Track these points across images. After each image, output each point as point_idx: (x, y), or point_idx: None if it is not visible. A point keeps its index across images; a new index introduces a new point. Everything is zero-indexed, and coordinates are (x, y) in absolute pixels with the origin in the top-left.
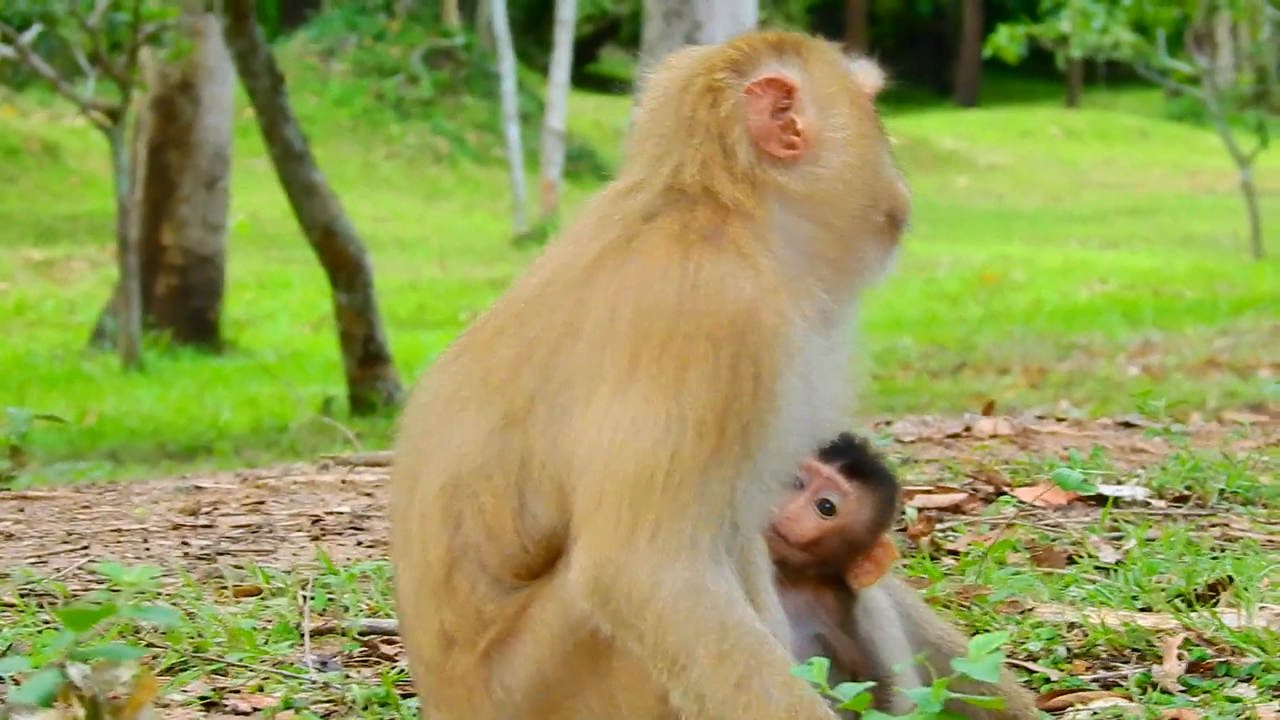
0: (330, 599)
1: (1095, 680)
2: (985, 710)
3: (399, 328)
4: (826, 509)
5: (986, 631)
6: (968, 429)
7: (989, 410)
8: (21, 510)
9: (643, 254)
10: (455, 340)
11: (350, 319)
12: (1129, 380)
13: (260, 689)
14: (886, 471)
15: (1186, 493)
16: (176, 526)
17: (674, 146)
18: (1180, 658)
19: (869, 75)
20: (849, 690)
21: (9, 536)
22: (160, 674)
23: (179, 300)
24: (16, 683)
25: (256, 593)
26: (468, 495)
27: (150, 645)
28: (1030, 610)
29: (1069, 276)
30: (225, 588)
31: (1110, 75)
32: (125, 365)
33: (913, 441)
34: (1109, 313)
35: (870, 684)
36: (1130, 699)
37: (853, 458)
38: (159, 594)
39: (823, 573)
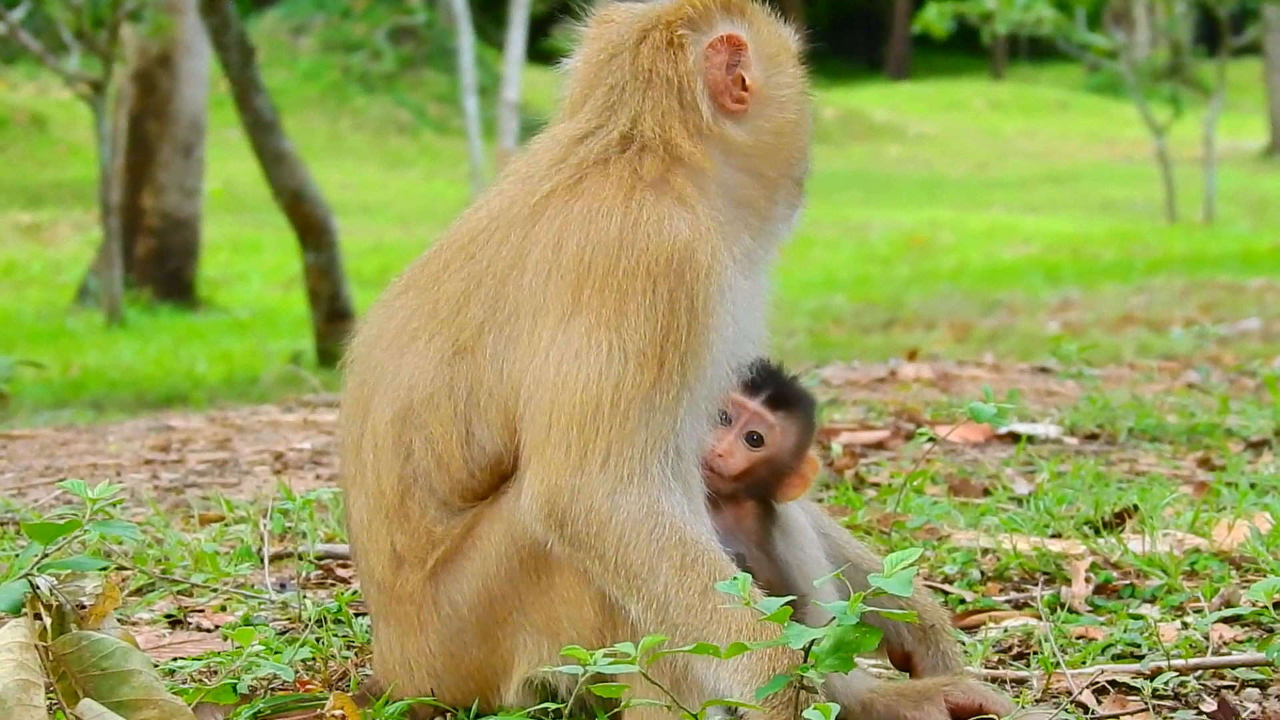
0: (289, 526)
1: (1007, 601)
2: (900, 623)
3: (363, 287)
4: (755, 441)
5: None
6: (892, 373)
7: (913, 356)
8: (4, 447)
9: (588, 194)
10: (400, 276)
11: (318, 278)
12: (1050, 335)
13: (223, 608)
14: (805, 394)
15: (1097, 431)
16: (148, 462)
17: (629, 97)
18: (1088, 580)
19: (793, 36)
20: (772, 604)
21: None
22: (129, 594)
23: (158, 261)
24: None
25: (220, 520)
26: (418, 425)
27: (120, 568)
28: (947, 536)
29: (993, 239)
30: (192, 516)
31: (1033, 50)
32: (108, 322)
33: (840, 385)
34: (1031, 273)
35: (790, 598)
36: (1040, 618)
37: (774, 388)
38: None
39: (749, 495)
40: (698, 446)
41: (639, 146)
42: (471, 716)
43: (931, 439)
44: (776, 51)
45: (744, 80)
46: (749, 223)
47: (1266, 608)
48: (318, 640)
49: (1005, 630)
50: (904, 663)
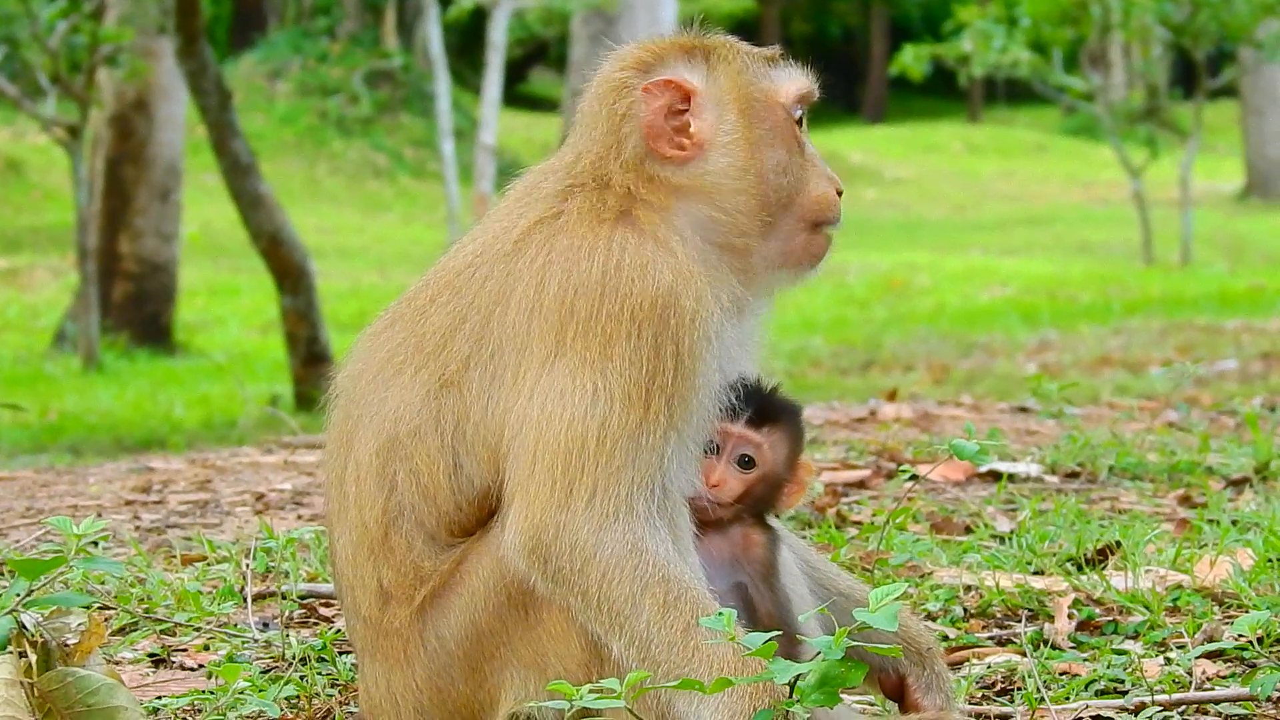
0: (271, 566)
1: (990, 638)
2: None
3: (341, 330)
4: (746, 463)
5: None
6: (873, 413)
7: (893, 397)
8: None
9: (568, 231)
10: (385, 310)
11: (295, 321)
12: (1027, 376)
13: (206, 647)
14: (788, 403)
15: (1078, 469)
16: (129, 503)
17: (583, 136)
18: (1070, 616)
19: (791, 81)
20: (755, 639)
21: None
22: (112, 634)
23: (135, 305)
24: None
25: (202, 560)
26: (402, 456)
27: (104, 607)
28: (929, 574)
29: (971, 281)
30: (174, 556)
31: (1010, 93)
32: (85, 366)
33: (821, 425)
34: (1008, 315)
35: (777, 633)
36: (1023, 654)
37: (755, 405)
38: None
39: (751, 512)
40: (685, 486)
41: (591, 183)
42: None
43: (913, 477)
44: (737, 98)
45: (688, 127)
46: (733, 266)
47: (1249, 643)
48: (302, 678)
49: (989, 667)
50: (896, 691)
